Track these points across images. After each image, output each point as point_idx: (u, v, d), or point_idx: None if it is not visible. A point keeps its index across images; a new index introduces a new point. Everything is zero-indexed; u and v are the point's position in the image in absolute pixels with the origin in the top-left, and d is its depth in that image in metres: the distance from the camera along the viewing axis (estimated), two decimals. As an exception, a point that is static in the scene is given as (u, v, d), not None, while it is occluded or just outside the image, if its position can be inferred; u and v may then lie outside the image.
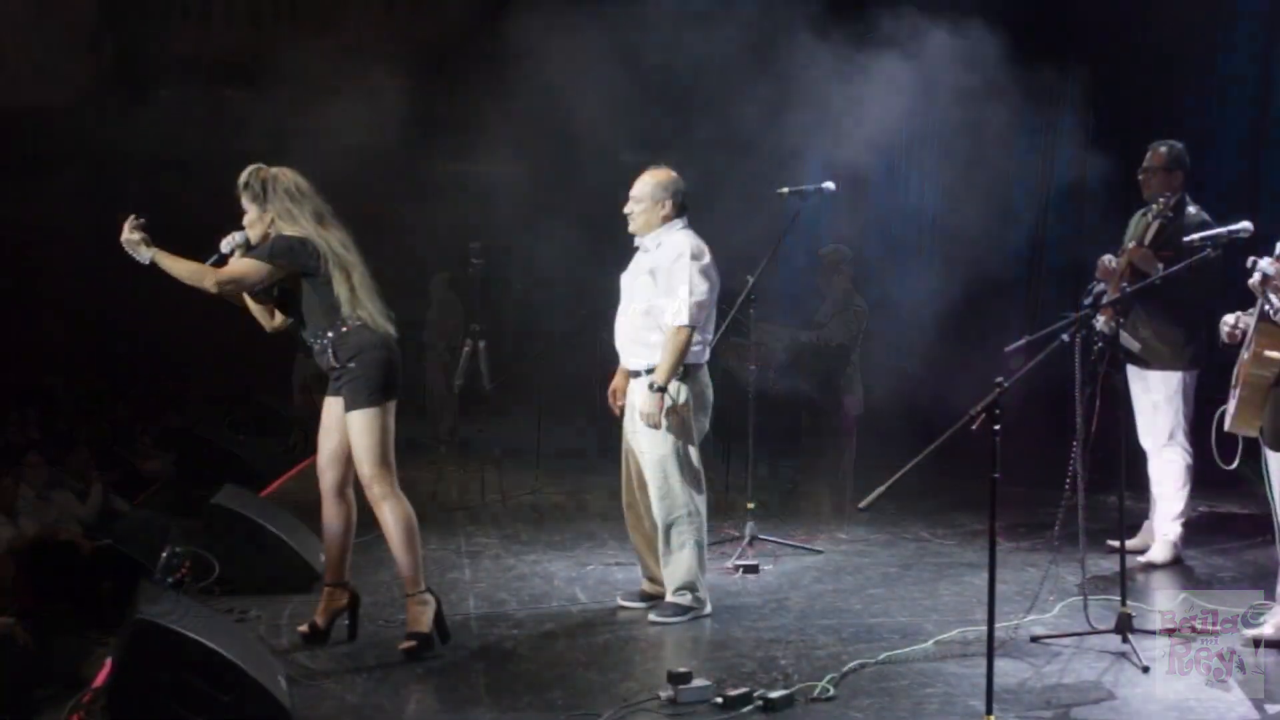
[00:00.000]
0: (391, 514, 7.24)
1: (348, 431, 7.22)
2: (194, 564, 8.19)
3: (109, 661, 6.88)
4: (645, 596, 8.11)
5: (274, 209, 7.21)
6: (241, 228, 7.31)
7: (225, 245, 7.31)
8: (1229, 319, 7.24)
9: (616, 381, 8.19)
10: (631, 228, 7.96)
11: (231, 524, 8.53)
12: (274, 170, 7.28)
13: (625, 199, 7.96)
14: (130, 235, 7.04)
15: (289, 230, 7.15)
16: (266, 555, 8.44)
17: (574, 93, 12.50)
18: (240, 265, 7.17)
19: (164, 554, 8.05)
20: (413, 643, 7.19)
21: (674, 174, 7.96)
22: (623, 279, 8.08)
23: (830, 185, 9.36)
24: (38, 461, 12.79)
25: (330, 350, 7.18)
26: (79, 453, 13.39)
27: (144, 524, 12.35)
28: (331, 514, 7.44)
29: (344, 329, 7.16)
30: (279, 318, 7.47)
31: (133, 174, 13.54)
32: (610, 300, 8.13)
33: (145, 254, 7.04)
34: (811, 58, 11.85)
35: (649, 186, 7.90)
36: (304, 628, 7.49)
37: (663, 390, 7.64)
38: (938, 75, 11.36)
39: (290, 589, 8.33)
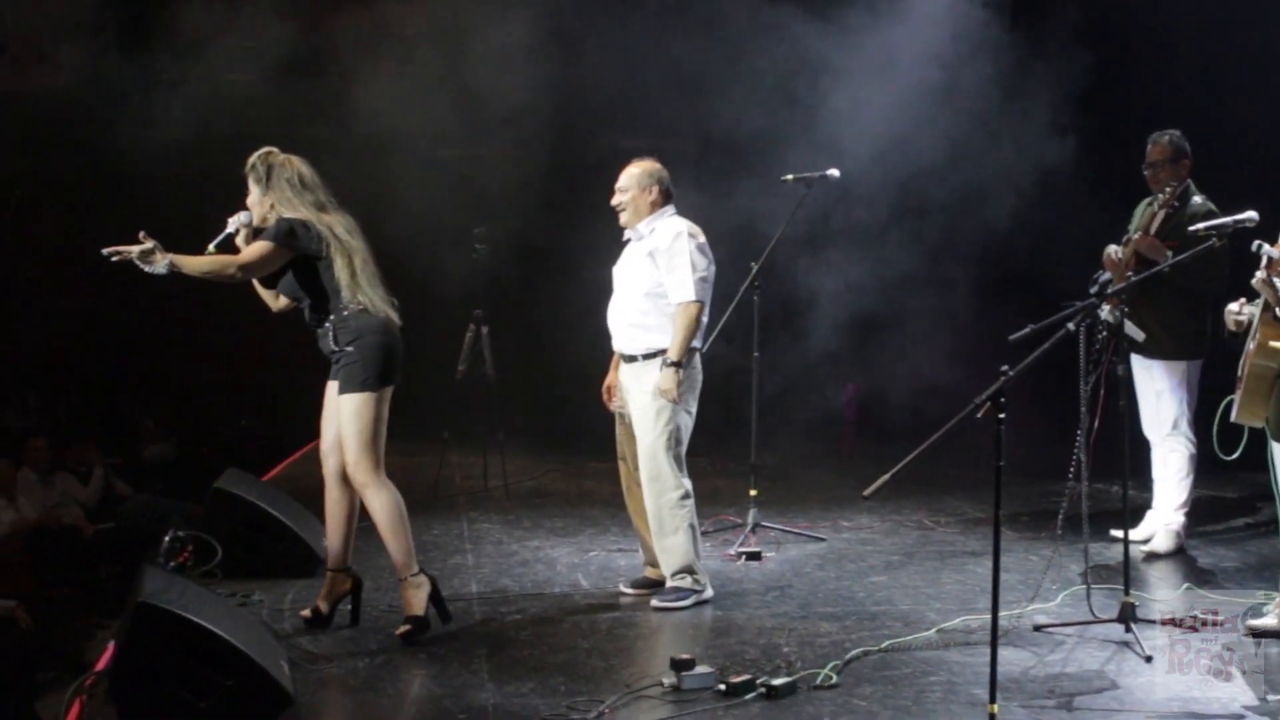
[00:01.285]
0: (375, 500, 7.23)
1: (339, 414, 7.23)
2: (196, 548, 8.21)
3: (111, 645, 6.88)
4: (648, 582, 8.11)
5: (274, 195, 7.22)
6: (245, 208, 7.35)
7: (232, 224, 7.31)
8: (1233, 307, 7.25)
9: (610, 378, 8.20)
10: (622, 220, 8.02)
11: (234, 508, 8.52)
12: (282, 156, 7.28)
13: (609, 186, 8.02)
14: (145, 245, 6.91)
15: (289, 214, 7.15)
16: (269, 540, 8.43)
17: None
18: (254, 249, 7.15)
19: (166, 538, 8.06)
20: (408, 627, 7.19)
21: (658, 164, 8.03)
22: (615, 271, 8.12)
23: (834, 172, 9.34)
24: (41, 445, 12.81)
25: (331, 333, 7.19)
26: (83, 438, 13.40)
27: (146, 508, 12.38)
28: (334, 499, 7.43)
29: (344, 313, 7.16)
30: (283, 299, 7.47)
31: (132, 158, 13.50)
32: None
33: (161, 263, 6.92)
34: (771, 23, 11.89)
35: (634, 176, 7.98)
36: (307, 612, 7.49)
37: (679, 366, 7.68)
38: (914, 45, 11.35)
39: (293, 573, 8.34)
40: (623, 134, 13.45)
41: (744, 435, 9.47)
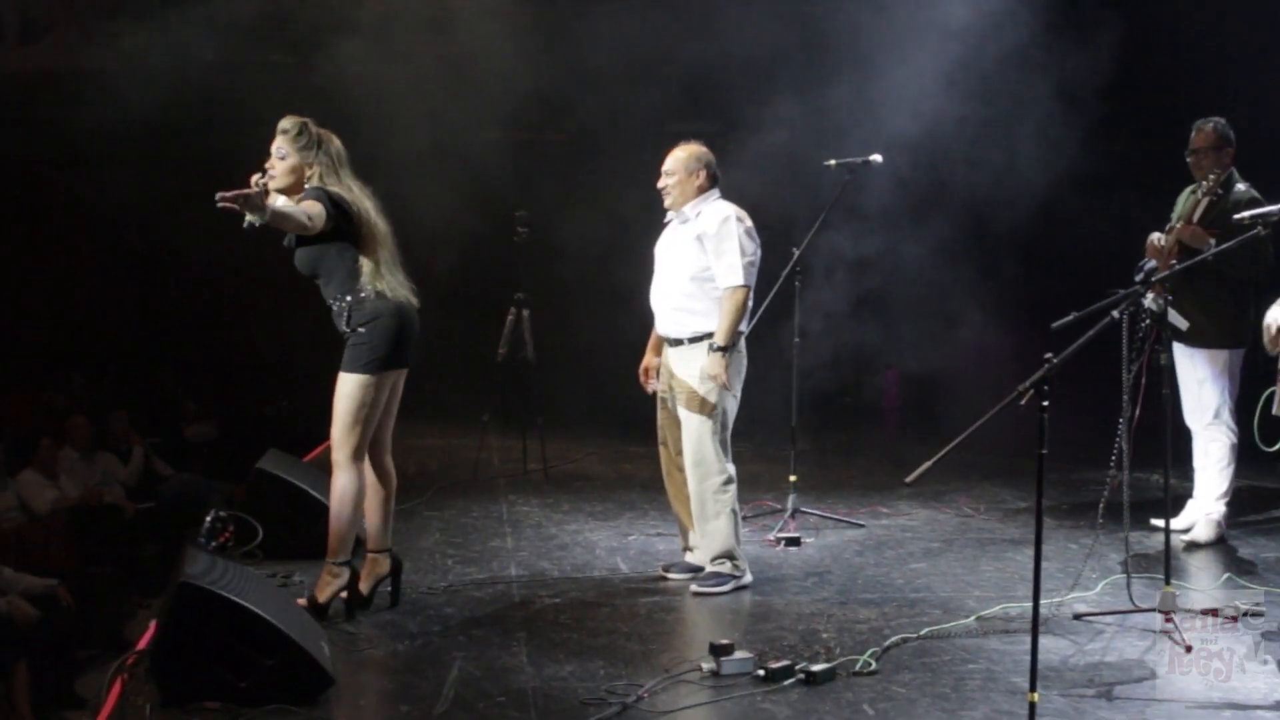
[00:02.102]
0: (340, 482, 7.25)
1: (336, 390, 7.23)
2: (238, 528, 8.24)
3: (153, 624, 6.91)
4: (687, 567, 8.11)
5: (321, 165, 7.16)
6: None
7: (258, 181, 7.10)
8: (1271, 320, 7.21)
9: (648, 359, 8.19)
10: (667, 203, 8.01)
11: (275, 489, 8.56)
12: (322, 130, 7.25)
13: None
14: (257, 190, 6.58)
15: (333, 187, 7.11)
16: (310, 521, 8.43)
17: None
18: (311, 205, 6.96)
19: (208, 518, 8.09)
20: (304, 602, 7.23)
21: (704, 147, 8.02)
22: (657, 250, 8.12)
23: (878, 157, 9.31)
24: (82, 423, 12.87)
25: (345, 314, 7.15)
26: (120, 416, 13.45)
27: (187, 487, 12.44)
28: (372, 481, 7.45)
29: (361, 295, 7.12)
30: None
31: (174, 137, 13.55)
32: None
33: (266, 210, 6.50)
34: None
35: (681, 160, 7.97)
36: (346, 593, 7.50)
37: (724, 350, 7.67)
38: (949, 32, 11.30)
39: (333, 555, 8.35)
40: (619, 112, 13.43)
41: (784, 420, 9.47)
